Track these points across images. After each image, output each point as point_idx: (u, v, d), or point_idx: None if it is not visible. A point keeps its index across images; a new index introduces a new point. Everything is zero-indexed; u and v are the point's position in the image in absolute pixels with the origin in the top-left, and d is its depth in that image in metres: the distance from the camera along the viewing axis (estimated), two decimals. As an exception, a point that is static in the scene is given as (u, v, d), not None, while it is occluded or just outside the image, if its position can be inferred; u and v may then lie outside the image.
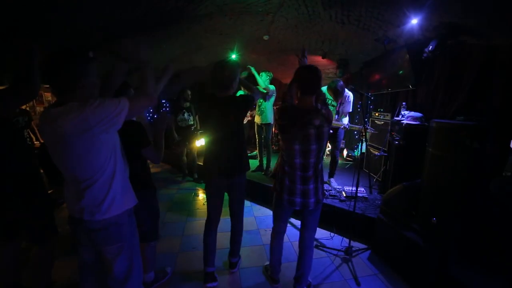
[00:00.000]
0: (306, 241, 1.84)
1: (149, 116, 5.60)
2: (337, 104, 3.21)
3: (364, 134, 2.31)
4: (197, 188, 4.22)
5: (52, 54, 1.02)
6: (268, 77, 4.02)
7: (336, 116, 3.26)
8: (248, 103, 1.85)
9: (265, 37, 3.93)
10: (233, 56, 4.56)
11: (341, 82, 2.96)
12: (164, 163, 5.50)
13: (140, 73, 1.24)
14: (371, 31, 3.27)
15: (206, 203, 2.06)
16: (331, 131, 3.38)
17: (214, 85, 1.77)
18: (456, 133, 1.79)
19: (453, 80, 2.72)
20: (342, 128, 3.19)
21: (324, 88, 3.17)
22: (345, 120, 3.23)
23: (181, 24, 3.33)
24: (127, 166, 1.34)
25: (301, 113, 1.52)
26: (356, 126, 3.20)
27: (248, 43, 4.39)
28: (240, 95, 1.92)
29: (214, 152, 1.85)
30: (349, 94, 3.20)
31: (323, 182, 1.72)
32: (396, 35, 3.11)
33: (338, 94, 3.03)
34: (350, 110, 3.25)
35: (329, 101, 3.23)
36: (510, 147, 1.84)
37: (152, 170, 5.15)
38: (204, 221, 2.01)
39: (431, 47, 2.60)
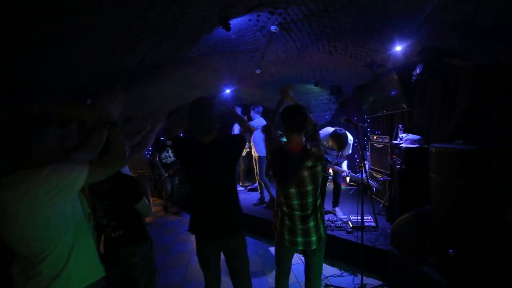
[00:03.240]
0: (314, 284, 1.70)
1: (148, 154, 5.61)
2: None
3: (361, 162, 2.24)
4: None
5: None
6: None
7: (337, 160, 3.17)
8: (238, 145, 1.58)
9: (257, 71, 4.06)
10: (227, 91, 4.69)
11: (343, 130, 2.87)
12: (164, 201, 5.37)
13: (109, 135, 1.12)
14: (359, 58, 3.37)
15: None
16: (331, 177, 3.34)
17: (193, 129, 1.51)
18: (457, 159, 1.72)
19: (446, 101, 2.72)
20: (344, 176, 3.12)
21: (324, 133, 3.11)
22: (345, 165, 3.15)
23: (176, 66, 3.46)
24: (92, 234, 1.23)
25: (292, 156, 1.49)
26: (355, 175, 3.06)
27: (241, 77, 4.54)
28: (228, 136, 1.67)
29: (201, 208, 1.53)
30: (349, 137, 3.11)
31: (323, 218, 1.64)
32: (384, 60, 3.20)
33: (343, 144, 2.89)
34: (350, 153, 3.20)
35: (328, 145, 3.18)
36: None
37: (155, 208, 5.03)
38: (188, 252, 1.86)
39: (418, 70, 2.64)
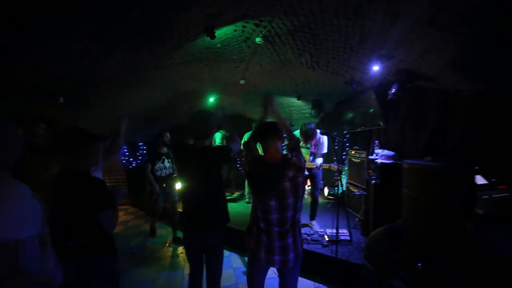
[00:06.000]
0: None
1: (124, 159, 5.38)
2: (311, 146, 3.24)
3: (338, 175, 2.29)
4: (170, 237, 3.84)
5: None
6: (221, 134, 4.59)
7: (311, 158, 3.26)
8: (224, 155, 1.78)
9: (242, 81, 4.08)
10: (211, 100, 4.66)
11: (312, 125, 3.02)
12: (138, 209, 5.12)
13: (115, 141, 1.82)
14: (340, 74, 3.50)
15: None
16: (306, 172, 3.41)
17: (191, 135, 1.82)
18: (425, 175, 1.80)
19: (416, 120, 2.88)
20: (315, 168, 3.19)
21: (297, 132, 3.22)
22: (319, 161, 3.24)
23: (158, 72, 3.40)
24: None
25: (271, 166, 1.47)
26: (326, 164, 3.20)
27: (225, 87, 4.55)
28: (217, 146, 1.92)
29: (187, 203, 1.82)
30: (322, 136, 3.24)
31: (301, 233, 1.61)
32: (362, 78, 3.34)
33: (308, 137, 3.09)
34: (326, 151, 3.26)
35: (302, 144, 3.27)
36: (476, 184, 1.86)
37: (123, 217, 4.76)
38: (181, 276, 1.88)
39: (393, 90, 2.79)
